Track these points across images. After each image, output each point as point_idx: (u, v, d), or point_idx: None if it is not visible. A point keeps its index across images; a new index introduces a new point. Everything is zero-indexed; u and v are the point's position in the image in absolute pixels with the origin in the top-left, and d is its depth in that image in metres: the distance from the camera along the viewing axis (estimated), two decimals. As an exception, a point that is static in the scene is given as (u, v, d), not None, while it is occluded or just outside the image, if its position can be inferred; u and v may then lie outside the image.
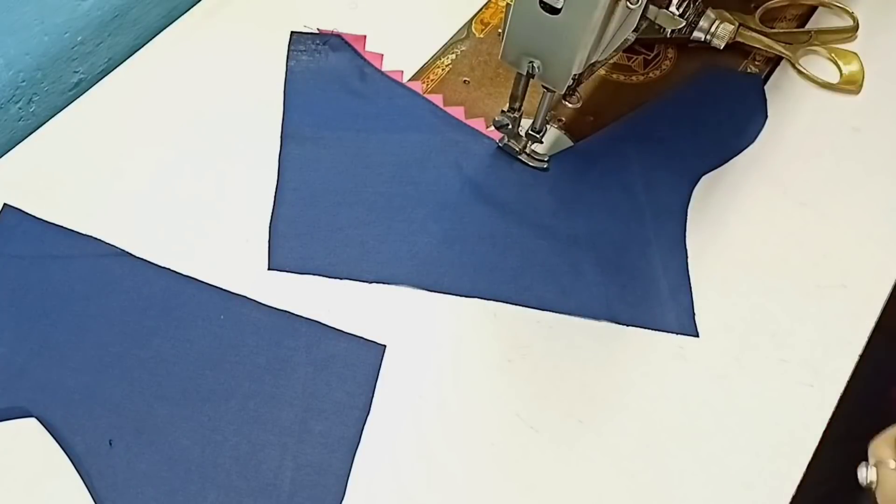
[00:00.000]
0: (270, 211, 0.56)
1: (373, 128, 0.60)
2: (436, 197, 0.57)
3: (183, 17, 0.65)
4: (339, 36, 0.64)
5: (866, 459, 0.47)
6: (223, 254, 0.54)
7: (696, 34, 0.51)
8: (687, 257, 0.55)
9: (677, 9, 0.47)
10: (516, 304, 0.53)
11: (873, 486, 0.46)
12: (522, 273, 0.54)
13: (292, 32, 0.64)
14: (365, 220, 0.56)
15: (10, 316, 0.51)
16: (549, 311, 0.53)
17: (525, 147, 0.58)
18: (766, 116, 0.62)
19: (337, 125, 0.60)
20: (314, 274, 0.54)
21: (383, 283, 0.53)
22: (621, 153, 0.59)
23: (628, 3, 0.45)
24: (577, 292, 0.53)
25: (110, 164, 0.58)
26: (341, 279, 0.53)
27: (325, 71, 0.63)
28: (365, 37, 0.64)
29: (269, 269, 0.54)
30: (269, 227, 0.55)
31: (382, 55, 0.64)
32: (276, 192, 0.57)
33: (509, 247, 0.55)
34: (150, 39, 0.64)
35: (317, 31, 0.64)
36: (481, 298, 0.53)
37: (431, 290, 0.53)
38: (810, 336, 0.52)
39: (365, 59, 0.63)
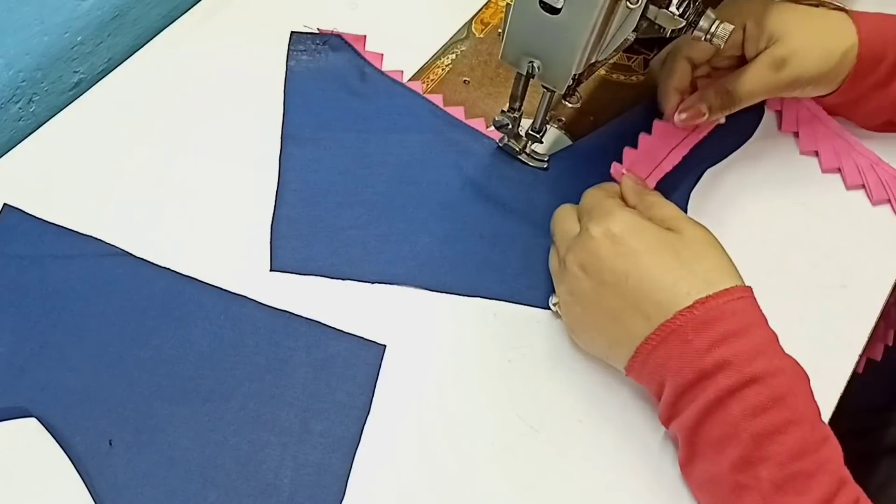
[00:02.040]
0: (271, 212, 0.56)
1: (373, 128, 0.60)
2: (436, 197, 0.57)
3: (183, 17, 0.65)
4: (339, 36, 0.64)
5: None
6: (224, 255, 0.54)
7: (696, 34, 0.51)
8: (687, 257, 0.55)
9: (677, 9, 0.47)
10: (516, 304, 0.53)
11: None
12: (523, 273, 0.54)
13: (292, 32, 0.64)
14: (366, 220, 0.56)
15: (10, 316, 0.51)
16: (550, 310, 0.53)
17: (525, 147, 0.58)
18: (763, 112, 0.62)
19: (337, 125, 0.60)
20: (317, 275, 0.54)
21: (385, 283, 0.53)
22: (621, 152, 0.59)
23: (628, 3, 0.45)
24: (577, 292, 0.53)
25: (110, 164, 0.58)
26: (343, 280, 0.53)
27: (325, 71, 0.62)
28: (365, 37, 0.64)
29: (271, 270, 0.54)
30: (271, 229, 0.55)
31: (382, 55, 0.64)
32: (276, 193, 0.57)
33: (510, 246, 0.55)
34: (150, 39, 0.64)
35: (317, 31, 0.64)
36: (481, 298, 0.53)
37: (432, 290, 0.53)
38: (810, 336, 0.52)
39: (365, 59, 0.63)
